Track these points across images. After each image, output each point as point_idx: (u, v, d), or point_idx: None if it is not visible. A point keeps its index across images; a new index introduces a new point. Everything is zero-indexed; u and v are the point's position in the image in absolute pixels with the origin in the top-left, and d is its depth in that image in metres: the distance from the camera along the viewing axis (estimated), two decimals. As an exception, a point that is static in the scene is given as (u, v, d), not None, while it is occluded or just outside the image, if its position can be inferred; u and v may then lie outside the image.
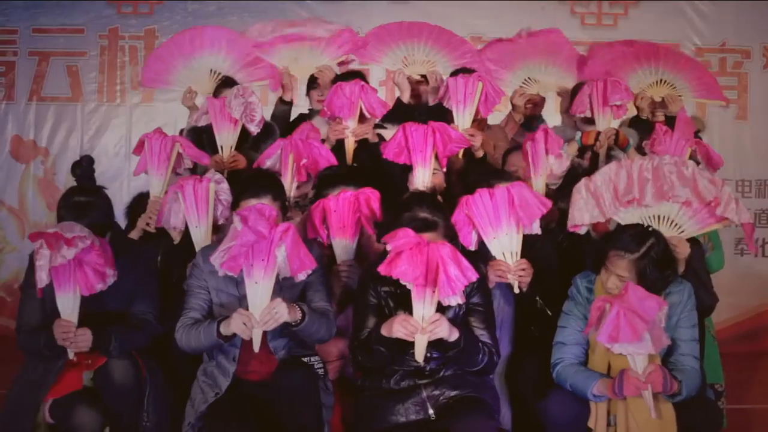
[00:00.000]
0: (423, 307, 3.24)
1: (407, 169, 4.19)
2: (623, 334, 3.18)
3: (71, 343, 3.36)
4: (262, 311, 3.25)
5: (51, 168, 7.23)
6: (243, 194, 3.55)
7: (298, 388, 3.33)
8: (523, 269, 3.67)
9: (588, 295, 3.56)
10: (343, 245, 3.89)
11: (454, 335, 3.30)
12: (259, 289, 3.27)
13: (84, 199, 3.61)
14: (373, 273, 3.41)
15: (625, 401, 3.36)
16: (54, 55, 7.25)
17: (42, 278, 3.31)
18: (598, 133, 4.59)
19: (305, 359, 3.52)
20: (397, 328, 3.25)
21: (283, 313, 3.26)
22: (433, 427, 3.35)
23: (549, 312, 3.73)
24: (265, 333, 3.34)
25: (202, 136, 4.65)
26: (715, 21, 7.16)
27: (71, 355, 3.40)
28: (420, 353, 3.27)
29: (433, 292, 3.22)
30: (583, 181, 3.83)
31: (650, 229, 3.54)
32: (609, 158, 4.60)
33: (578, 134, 4.73)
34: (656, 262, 3.42)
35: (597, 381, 3.38)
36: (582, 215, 3.78)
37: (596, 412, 3.41)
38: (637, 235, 3.46)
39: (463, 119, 4.56)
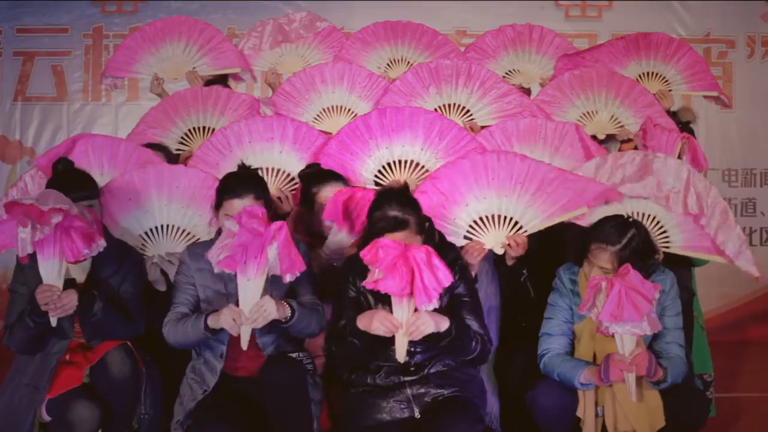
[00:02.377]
0: (401, 311, 3.22)
1: None
2: (627, 313, 3.19)
3: (55, 307, 3.30)
4: (251, 308, 3.26)
5: (37, 168, 7.21)
6: (225, 194, 3.53)
7: (286, 383, 3.33)
8: (518, 243, 3.73)
9: (572, 287, 3.57)
10: (341, 237, 3.88)
11: (443, 325, 3.26)
12: (249, 286, 3.27)
13: (73, 176, 3.61)
14: (352, 267, 3.41)
15: (612, 392, 3.38)
16: (39, 54, 7.25)
17: (25, 248, 3.26)
18: None
19: (293, 355, 3.52)
20: (376, 325, 3.22)
21: (271, 310, 3.27)
22: (418, 426, 3.33)
23: (532, 293, 3.76)
24: (253, 330, 3.35)
25: None
26: (700, 11, 7.19)
27: (54, 323, 3.33)
28: (401, 354, 3.26)
29: (411, 297, 3.20)
30: None
31: (631, 219, 3.54)
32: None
33: None
34: (638, 252, 3.43)
35: (583, 369, 3.39)
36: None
37: (584, 402, 3.43)
38: (618, 226, 3.47)
39: None
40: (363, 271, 3.25)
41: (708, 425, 3.50)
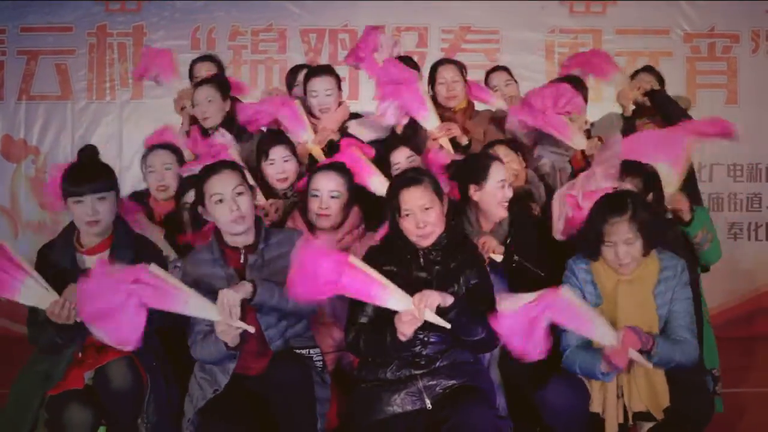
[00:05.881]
0: (399, 302, 3.24)
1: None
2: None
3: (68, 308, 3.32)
4: (218, 311, 3.26)
5: (42, 167, 7.22)
6: (207, 174, 3.57)
7: (290, 382, 3.34)
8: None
9: (585, 276, 3.55)
10: None
11: (448, 300, 3.26)
12: (190, 307, 3.28)
13: (87, 168, 3.65)
14: (372, 256, 3.43)
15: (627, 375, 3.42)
16: (43, 53, 7.24)
17: None
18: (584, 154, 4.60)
19: (304, 351, 3.54)
20: (405, 328, 3.22)
21: (231, 297, 3.25)
22: (429, 417, 3.35)
23: (540, 273, 3.83)
24: (259, 324, 3.41)
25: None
26: (704, 6, 7.15)
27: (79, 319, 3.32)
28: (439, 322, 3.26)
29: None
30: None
31: (617, 189, 3.62)
32: None
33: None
34: (646, 206, 3.50)
35: (602, 360, 3.37)
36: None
37: (595, 398, 3.43)
38: (615, 197, 3.51)
39: (427, 122, 4.57)
40: (382, 259, 3.36)
41: (715, 421, 3.49)
